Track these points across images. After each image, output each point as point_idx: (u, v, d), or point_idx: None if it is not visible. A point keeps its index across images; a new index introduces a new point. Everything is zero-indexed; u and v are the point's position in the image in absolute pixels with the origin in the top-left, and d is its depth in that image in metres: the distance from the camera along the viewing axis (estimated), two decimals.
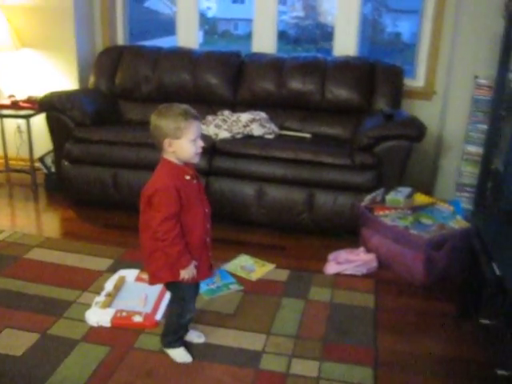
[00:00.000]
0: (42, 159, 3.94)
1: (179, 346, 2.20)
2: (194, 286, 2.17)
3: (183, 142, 1.97)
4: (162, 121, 1.97)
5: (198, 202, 2.08)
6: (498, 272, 1.98)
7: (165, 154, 2.02)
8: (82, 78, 4.14)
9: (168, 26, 6.10)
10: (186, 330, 2.26)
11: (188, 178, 2.05)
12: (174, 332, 2.20)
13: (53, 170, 3.87)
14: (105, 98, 3.94)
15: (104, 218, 3.53)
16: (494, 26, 3.43)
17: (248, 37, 6.69)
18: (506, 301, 1.86)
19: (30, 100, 4.00)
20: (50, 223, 3.55)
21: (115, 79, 4.00)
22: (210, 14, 6.27)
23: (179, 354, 2.18)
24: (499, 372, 1.78)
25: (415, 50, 4.14)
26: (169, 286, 2.16)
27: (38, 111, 3.78)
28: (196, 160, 2.05)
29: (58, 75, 4.10)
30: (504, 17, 3.25)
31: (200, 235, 2.08)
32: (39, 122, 3.90)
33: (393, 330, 2.47)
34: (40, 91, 3.90)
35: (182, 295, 2.14)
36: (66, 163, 3.56)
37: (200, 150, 2.03)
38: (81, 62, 4.13)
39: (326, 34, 5.63)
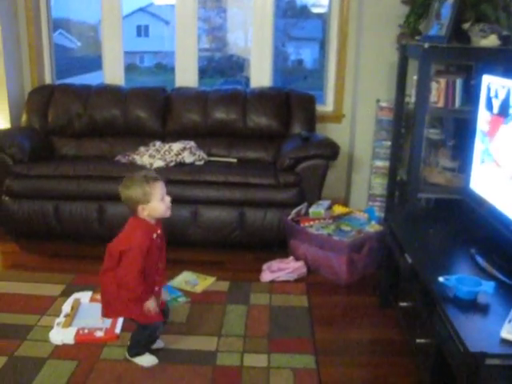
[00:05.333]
0: None
1: (144, 352, 2.45)
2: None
3: (154, 204, 2.26)
4: (130, 191, 2.25)
5: (156, 257, 2.36)
6: (409, 261, 2.41)
7: (139, 214, 2.29)
8: (13, 117, 4.27)
9: (83, 64, 6.27)
10: (153, 343, 2.51)
11: (155, 236, 2.33)
12: (144, 345, 2.45)
13: None
14: (38, 135, 4.10)
15: (48, 249, 3.69)
16: (390, 56, 3.96)
17: (155, 69, 6.91)
18: (418, 283, 2.27)
19: None
20: None
21: (48, 117, 4.18)
22: None
23: (146, 359, 2.43)
24: (418, 341, 2.17)
25: (321, 80, 4.62)
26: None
27: None
28: (168, 214, 2.34)
29: None
30: (397, 49, 3.79)
31: (149, 285, 2.35)
32: None
33: (326, 324, 2.84)
34: None
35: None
36: (7, 198, 3.69)
37: (169, 205, 2.32)
38: (11, 102, 4.26)
39: (234, 64, 6.02)
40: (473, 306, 1.97)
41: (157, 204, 2.27)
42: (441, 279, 2.06)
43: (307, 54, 6.20)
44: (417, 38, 3.42)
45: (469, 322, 1.86)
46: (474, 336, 1.76)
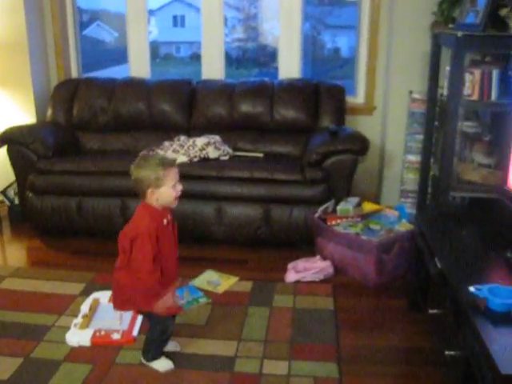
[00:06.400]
0: (4, 192, 4.02)
1: (160, 356, 2.37)
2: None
3: (165, 190, 2.16)
4: (143, 172, 2.15)
5: (171, 247, 2.26)
6: (439, 266, 2.25)
7: (147, 200, 2.19)
8: (39, 111, 4.24)
9: (115, 56, 6.23)
10: (167, 343, 2.43)
11: (165, 222, 2.23)
12: (157, 347, 2.37)
13: (16, 201, 3.96)
14: (63, 130, 4.06)
15: (71, 246, 3.65)
16: (423, 45, 3.76)
17: (191, 59, 6.84)
18: (448, 290, 2.12)
19: None
20: (19, 254, 3.64)
21: (72, 111, 4.13)
22: (150, 38, 6.43)
23: (162, 364, 2.35)
24: (447, 353, 2.02)
25: (354, 69, 4.45)
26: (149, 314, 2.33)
27: None
28: (175, 204, 2.23)
29: (15, 109, 4.18)
30: (430, 38, 3.59)
31: (169, 277, 2.26)
32: None
33: (352, 328, 2.71)
34: None
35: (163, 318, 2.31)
36: (31, 194, 3.66)
37: (179, 194, 2.21)
38: (37, 96, 4.23)
39: (268, 54, 5.89)
40: (507, 321, 1.81)
41: (168, 190, 2.17)
42: (471, 289, 1.91)
43: (344, 43, 6.03)
44: (450, 26, 3.23)
45: (501, 339, 1.71)
46: (506, 355, 1.61)
